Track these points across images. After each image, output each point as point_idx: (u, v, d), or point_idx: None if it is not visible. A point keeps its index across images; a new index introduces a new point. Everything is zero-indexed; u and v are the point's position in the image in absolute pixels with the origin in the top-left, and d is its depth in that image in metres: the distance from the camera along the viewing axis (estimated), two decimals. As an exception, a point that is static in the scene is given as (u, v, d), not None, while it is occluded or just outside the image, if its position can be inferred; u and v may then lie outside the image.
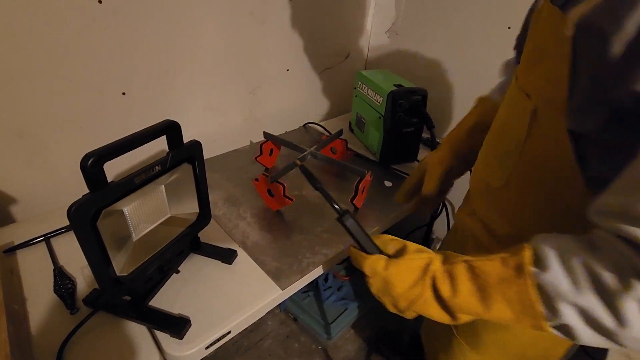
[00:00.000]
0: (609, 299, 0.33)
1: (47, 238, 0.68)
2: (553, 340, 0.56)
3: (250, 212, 0.78)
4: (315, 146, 0.87)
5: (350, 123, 1.16)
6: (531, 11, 0.54)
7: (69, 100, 0.71)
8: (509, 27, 0.87)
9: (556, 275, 0.36)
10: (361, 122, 1.07)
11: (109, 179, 0.44)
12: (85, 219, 0.42)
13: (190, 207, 0.62)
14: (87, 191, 0.42)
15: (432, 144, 0.85)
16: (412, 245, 0.48)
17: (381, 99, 0.92)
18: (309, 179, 0.55)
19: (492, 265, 0.40)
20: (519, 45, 0.60)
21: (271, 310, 0.90)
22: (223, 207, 0.79)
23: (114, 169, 0.68)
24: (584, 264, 0.35)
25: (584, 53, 0.36)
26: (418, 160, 0.99)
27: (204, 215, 0.63)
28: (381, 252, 0.49)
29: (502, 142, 0.53)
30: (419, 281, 0.44)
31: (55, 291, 0.58)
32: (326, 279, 1.28)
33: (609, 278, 0.34)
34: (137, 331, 0.54)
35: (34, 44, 0.64)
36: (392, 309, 0.49)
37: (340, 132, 0.94)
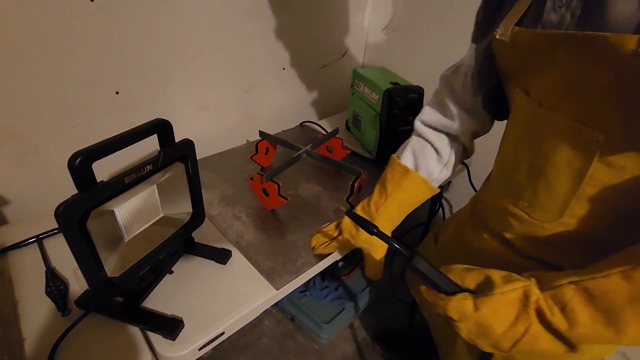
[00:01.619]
0: None
1: (39, 239, 0.67)
2: None
3: (245, 212, 0.77)
4: (311, 145, 0.87)
5: (346, 121, 1.15)
6: (485, 49, 0.50)
7: (61, 99, 0.71)
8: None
9: None
10: (358, 120, 1.06)
11: (104, 180, 0.44)
12: (74, 219, 0.42)
13: (183, 207, 0.61)
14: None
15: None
16: (495, 274, 0.42)
17: (377, 96, 0.91)
18: (362, 225, 0.50)
19: (613, 283, 0.35)
20: (486, 82, 0.54)
21: (268, 309, 0.89)
22: (218, 206, 0.79)
23: (107, 170, 0.67)
24: None
25: None
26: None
27: (198, 215, 0.63)
28: (460, 288, 0.42)
29: (544, 178, 0.45)
30: (520, 317, 0.38)
31: (47, 293, 0.57)
32: (323, 279, 1.28)
33: None
34: (130, 333, 0.54)
35: (25, 42, 0.63)
36: (491, 350, 0.42)
37: (336, 131, 0.93)
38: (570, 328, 0.36)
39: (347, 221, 0.64)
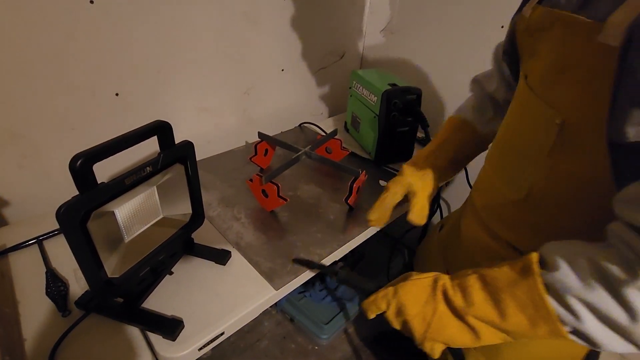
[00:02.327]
0: (617, 292, 0.33)
1: (39, 240, 0.67)
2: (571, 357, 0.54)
3: (245, 213, 0.78)
4: (310, 146, 0.87)
5: (345, 123, 1.16)
6: (515, 22, 0.53)
7: (61, 101, 0.71)
8: (502, 26, 0.88)
9: (564, 272, 0.36)
10: (356, 121, 1.07)
11: (104, 181, 0.44)
12: (75, 220, 0.42)
13: (183, 208, 0.61)
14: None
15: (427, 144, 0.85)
16: (413, 272, 0.49)
17: (376, 98, 0.92)
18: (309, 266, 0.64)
19: (501, 271, 0.41)
20: (510, 57, 0.58)
21: (267, 310, 0.89)
22: (217, 207, 0.79)
23: (108, 171, 0.68)
24: (590, 259, 0.36)
25: (636, 64, 0.33)
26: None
27: (197, 216, 0.63)
28: (384, 284, 0.49)
29: (519, 154, 0.51)
30: (429, 299, 0.44)
31: (47, 294, 0.58)
32: (322, 280, 1.28)
33: (615, 270, 0.33)
34: (130, 333, 0.54)
35: (25, 44, 0.63)
36: (417, 341, 0.46)
37: (334, 132, 0.94)
38: (466, 307, 0.41)
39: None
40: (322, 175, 0.92)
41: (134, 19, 0.73)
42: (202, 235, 0.67)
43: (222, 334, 0.56)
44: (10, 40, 0.62)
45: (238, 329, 0.58)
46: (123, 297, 0.56)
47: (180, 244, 0.64)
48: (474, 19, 0.96)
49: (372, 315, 0.50)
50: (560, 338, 0.38)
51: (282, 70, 1.08)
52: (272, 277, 0.63)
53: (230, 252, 0.66)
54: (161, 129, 0.51)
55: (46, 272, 0.61)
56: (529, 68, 0.50)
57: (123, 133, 0.47)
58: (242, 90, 1.02)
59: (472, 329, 0.42)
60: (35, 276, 0.61)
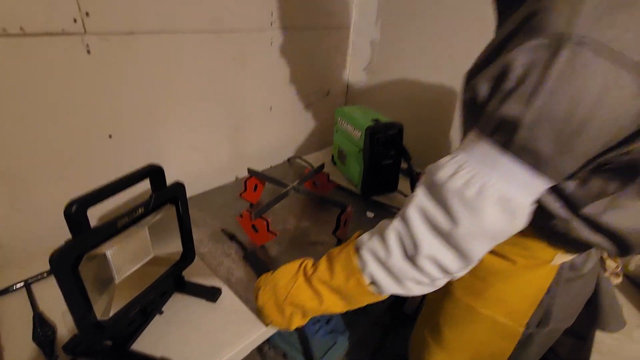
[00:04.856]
0: (382, 235, 0.47)
1: (27, 284, 0.67)
2: (501, 339, 0.61)
3: (235, 249, 0.79)
4: (298, 180, 0.90)
5: (332, 156, 1.20)
6: None
7: (55, 143, 0.73)
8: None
9: (363, 236, 0.51)
10: (342, 155, 1.11)
11: (93, 219, 0.46)
12: (67, 264, 0.43)
13: (174, 247, 0.63)
14: (69, 234, 0.43)
15: (411, 175, 0.89)
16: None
17: (360, 133, 0.96)
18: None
19: (339, 247, 0.54)
20: None
21: (260, 346, 0.88)
22: (208, 244, 0.80)
23: (98, 210, 0.69)
24: (380, 224, 0.50)
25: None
26: (399, 191, 1.03)
27: (188, 254, 0.64)
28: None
29: None
30: (295, 274, 0.55)
31: (34, 339, 0.57)
32: (315, 312, 1.27)
33: (383, 223, 0.49)
34: (118, 377, 0.53)
35: (22, 88, 0.66)
36: (274, 314, 0.57)
37: (321, 167, 0.97)
38: (312, 273, 0.53)
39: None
40: (310, 208, 0.95)
41: (128, 66, 0.78)
42: (193, 272, 0.68)
43: (213, 374, 0.55)
44: (8, 85, 0.64)
45: (228, 368, 0.58)
46: (112, 339, 0.56)
47: (170, 282, 0.65)
48: (449, 60, 1.04)
49: (255, 300, 0.60)
50: (367, 293, 0.49)
51: (271, 108, 1.13)
52: (262, 313, 0.63)
53: (220, 289, 0.67)
54: (153, 172, 0.53)
55: (33, 316, 0.60)
56: None
57: (118, 173, 0.49)
58: (232, 128, 1.06)
59: (317, 293, 0.52)
60: (23, 320, 0.60)
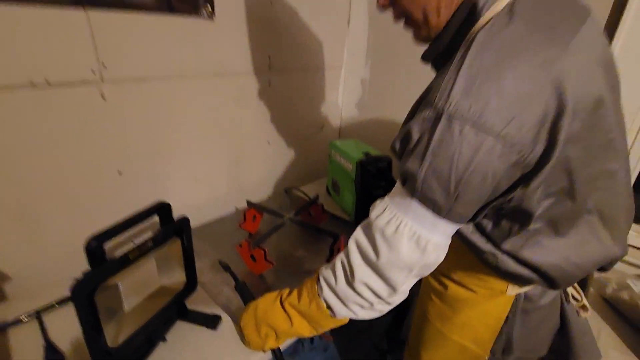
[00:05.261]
0: (333, 265, 0.54)
1: (38, 314, 0.71)
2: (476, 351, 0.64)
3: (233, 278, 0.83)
4: (294, 212, 0.96)
5: (327, 186, 1.26)
6: None
7: (69, 182, 0.79)
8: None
9: (326, 265, 0.57)
10: (336, 185, 1.17)
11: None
12: (85, 293, 0.48)
13: (178, 277, 0.67)
14: (77, 266, 0.48)
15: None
16: None
17: (352, 166, 1.03)
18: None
19: (308, 280, 0.60)
20: None
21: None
22: (209, 273, 0.84)
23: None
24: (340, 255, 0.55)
25: None
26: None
27: (191, 284, 0.69)
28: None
29: None
30: (274, 299, 0.62)
31: (45, 367, 0.60)
32: (312, 340, 1.28)
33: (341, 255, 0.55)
34: (124, 403, 0.56)
35: (41, 133, 0.72)
36: (252, 334, 0.63)
37: (316, 198, 1.03)
38: (285, 298, 0.60)
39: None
40: (305, 238, 1.00)
41: (138, 108, 0.85)
42: (194, 300, 0.72)
43: (213, 399, 0.58)
44: (30, 131, 0.71)
45: (228, 393, 0.61)
46: (119, 366, 0.59)
47: (174, 311, 0.69)
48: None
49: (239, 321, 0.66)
50: (327, 316, 0.56)
51: (269, 142, 1.21)
52: (260, 340, 0.67)
53: (220, 316, 0.71)
54: (162, 209, 0.59)
55: (44, 346, 0.64)
56: None
57: (127, 208, 0.55)
58: (232, 161, 1.13)
59: (288, 315, 0.59)
60: (33, 350, 0.63)
